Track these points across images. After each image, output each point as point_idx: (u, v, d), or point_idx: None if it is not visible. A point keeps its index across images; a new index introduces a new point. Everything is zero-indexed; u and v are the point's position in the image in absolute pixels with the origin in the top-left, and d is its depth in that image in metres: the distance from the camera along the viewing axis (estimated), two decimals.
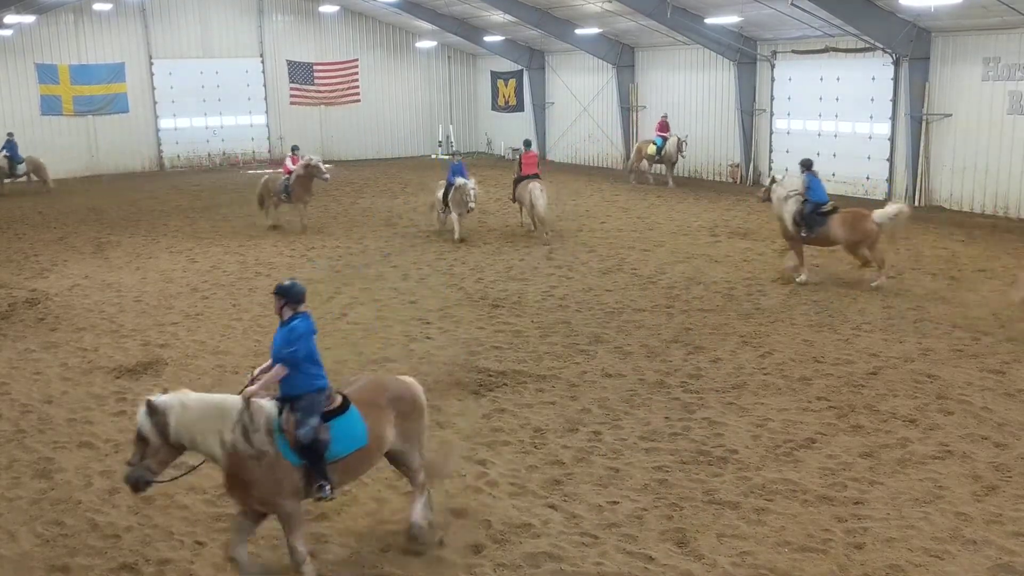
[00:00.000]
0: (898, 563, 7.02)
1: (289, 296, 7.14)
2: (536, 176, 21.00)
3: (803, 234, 15.51)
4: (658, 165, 29.22)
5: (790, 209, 15.58)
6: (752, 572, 6.97)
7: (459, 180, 19.97)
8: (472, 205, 20.07)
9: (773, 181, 16.33)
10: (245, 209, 25.98)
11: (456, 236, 20.20)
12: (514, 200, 21.82)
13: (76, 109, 34.84)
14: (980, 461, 8.74)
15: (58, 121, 34.61)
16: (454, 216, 20.29)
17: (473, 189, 19.97)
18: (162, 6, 35.85)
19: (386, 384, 7.59)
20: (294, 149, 23.51)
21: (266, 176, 23.49)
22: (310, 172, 21.66)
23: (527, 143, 22.75)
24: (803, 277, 15.66)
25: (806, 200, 15.48)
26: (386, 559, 7.28)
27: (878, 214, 15.07)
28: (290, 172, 22.17)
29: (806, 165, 16.00)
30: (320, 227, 22.74)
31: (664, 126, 28.67)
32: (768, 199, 16.39)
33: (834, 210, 15.42)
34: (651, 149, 28.63)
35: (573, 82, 35.47)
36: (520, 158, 21.88)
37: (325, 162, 23.04)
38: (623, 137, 33.50)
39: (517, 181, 21.33)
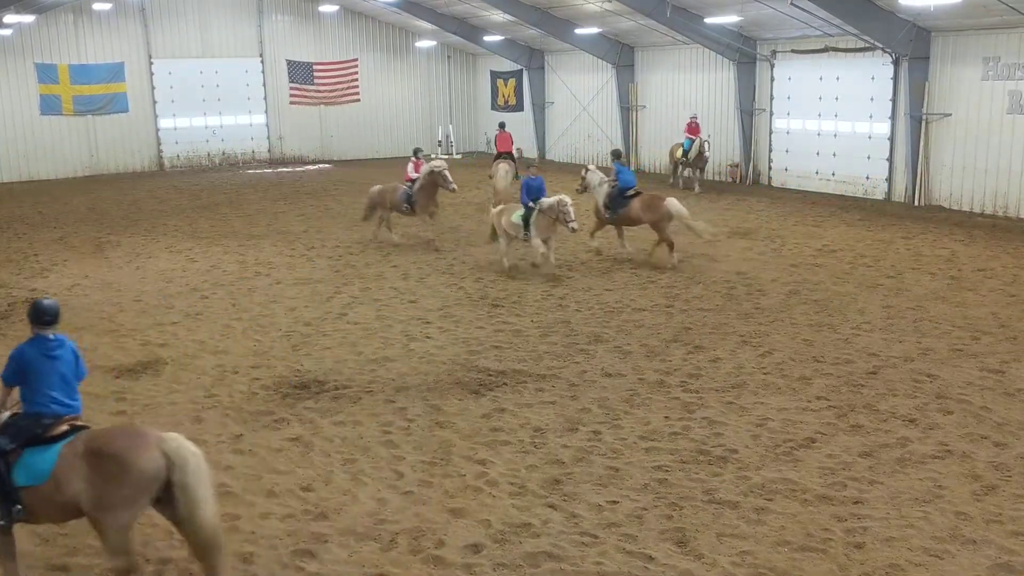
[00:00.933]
0: (898, 562, 7.02)
1: (29, 315, 7.05)
2: (509, 155, 24.86)
3: (609, 215, 18.10)
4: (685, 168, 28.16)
5: (602, 193, 18.22)
6: (752, 571, 6.97)
7: (553, 198, 16.50)
8: (575, 225, 16.31)
9: (586, 170, 18.90)
10: (245, 209, 26.02)
11: (544, 265, 16.89)
12: (491, 177, 25.05)
13: (76, 109, 34.84)
14: (980, 460, 8.74)
15: (58, 121, 34.61)
16: (536, 242, 16.71)
17: (571, 206, 16.37)
18: (162, 6, 35.85)
19: (109, 437, 6.58)
20: (416, 153, 21.10)
21: (379, 186, 20.68)
22: (434, 180, 19.14)
23: (501, 124, 27.13)
24: (597, 244, 18.71)
25: (615, 185, 17.98)
26: (386, 559, 7.29)
27: (671, 202, 17.26)
28: (412, 180, 19.85)
29: (616, 155, 19.36)
30: (320, 227, 22.73)
31: (694, 127, 27.47)
32: (584, 189, 18.91)
33: (637, 194, 17.85)
34: (678, 152, 27.71)
35: (573, 82, 35.48)
36: (496, 138, 26.03)
37: (325, 162, 22.84)
38: (623, 137, 33.50)
39: (494, 159, 25.24)
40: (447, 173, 19.12)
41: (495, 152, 25.50)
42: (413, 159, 20.57)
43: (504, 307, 14.84)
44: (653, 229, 17.56)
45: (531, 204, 16.74)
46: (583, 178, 18.83)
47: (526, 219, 16.77)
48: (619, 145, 33.45)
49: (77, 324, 14.37)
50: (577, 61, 34.77)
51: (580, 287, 16.04)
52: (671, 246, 17.27)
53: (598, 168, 19.05)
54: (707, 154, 27.18)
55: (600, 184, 18.31)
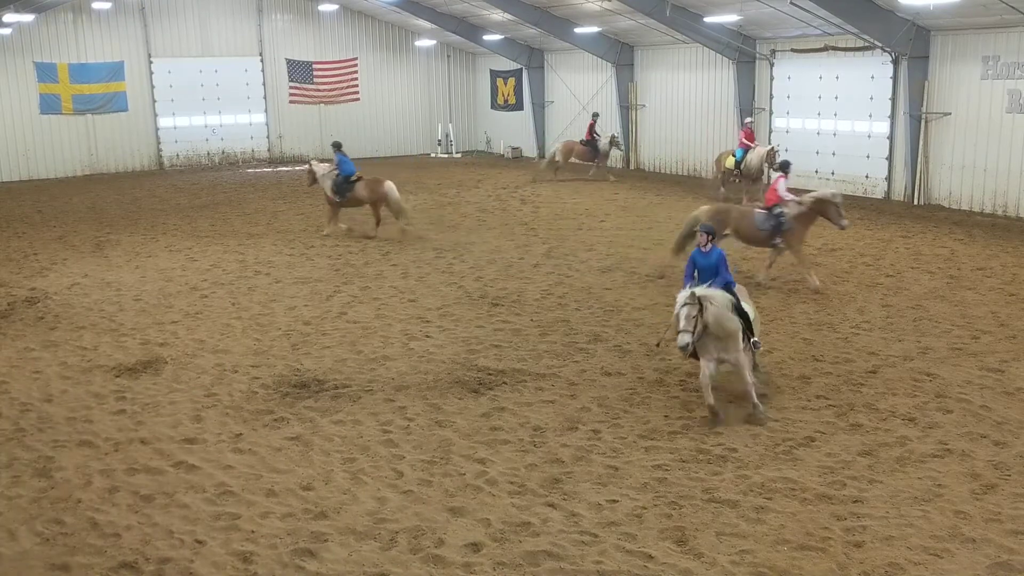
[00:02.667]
0: (897, 561, 7.03)
1: None
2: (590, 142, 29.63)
3: (338, 199, 20.74)
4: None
5: (328, 182, 20.79)
6: (751, 570, 6.98)
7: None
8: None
9: (311, 164, 21.56)
10: (245, 208, 26.02)
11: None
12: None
13: (75, 108, 34.80)
14: (979, 459, 8.75)
15: (57, 120, 34.57)
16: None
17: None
18: (161, 5, 35.81)
19: None
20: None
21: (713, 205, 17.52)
22: (820, 209, 15.15)
23: (595, 115, 30.59)
24: (330, 231, 21.06)
25: (338, 173, 20.68)
26: (386, 558, 7.29)
27: (389, 185, 20.45)
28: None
29: (336, 146, 21.36)
30: (319, 226, 22.72)
31: (750, 135, 24.79)
32: (314, 182, 21.42)
33: (359, 179, 20.69)
34: (729, 161, 24.74)
35: (572, 81, 35.46)
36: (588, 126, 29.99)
37: (323, 162, 22.85)
38: (622, 136, 33.49)
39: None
40: (841, 208, 15.13)
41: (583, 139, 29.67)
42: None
43: (503, 306, 14.84)
44: (372, 208, 20.86)
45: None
46: (309, 172, 21.49)
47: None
48: (620, 143, 33.52)
49: (77, 323, 14.39)
50: (577, 60, 34.76)
51: (579, 286, 16.04)
52: (378, 221, 20.82)
53: (319, 161, 21.58)
54: (775, 166, 22.78)
55: (325, 175, 21.02)
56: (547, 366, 11.82)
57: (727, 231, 15.49)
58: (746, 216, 15.71)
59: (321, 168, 21.36)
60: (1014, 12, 19.09)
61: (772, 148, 23.87)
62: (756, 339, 10.05)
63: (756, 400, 9.79)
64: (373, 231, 20.88)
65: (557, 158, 30.09)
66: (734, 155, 24.68)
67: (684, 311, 9.48)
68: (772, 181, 15.95)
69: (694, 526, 7.64)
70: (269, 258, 19.06)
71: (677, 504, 8.02)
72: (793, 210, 15.21)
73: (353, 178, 20.71)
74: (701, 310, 9.46)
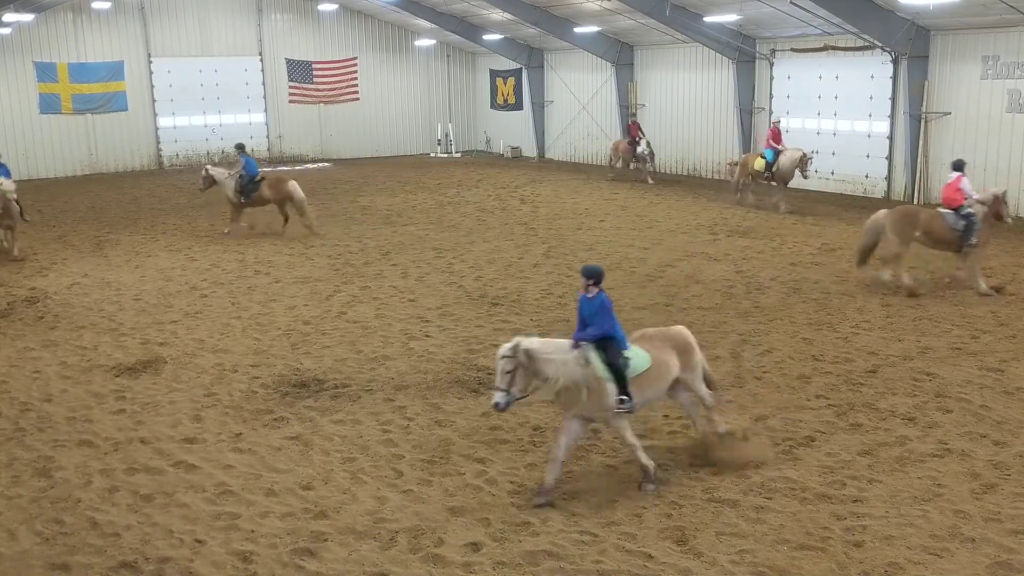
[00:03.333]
0: (897, 561, 7.02)
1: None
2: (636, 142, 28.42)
3: (243, 200, 21.13)
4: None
5: (231, 184, 21.09)
6: (751, 570, 6.98)
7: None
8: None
9: (207, 170, 21.75)
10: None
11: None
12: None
13: (75, 107, 34.81)
14: (979, 459, 8.75)
15: (57, 119, 34.58)
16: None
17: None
18: (161, 5, 35.82)
19: None
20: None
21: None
22: (997, 207, 14.96)
23: (632, 114, 30.42)
24: (232, 230, 21.32)
25: (243, 175, 21.06)
26: (386, 557, 7.29)
27: (293, 184, 21.04)
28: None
29: (240, 148, 21.82)
30: (319, 225, 22.72)
31: (777, 135, 23.33)
32: (210, 185, 21.58)
33: (263, 179, 21.16)
34: (759, 163, 23.30)
35: (572, 80, 35.47)
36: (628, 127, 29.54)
37: (324, 161, 22.91)
38: (622, 135, 33.48)
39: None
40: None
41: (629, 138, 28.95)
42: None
43: (503, 306, 14.84)
44: (278, 207, 21.33)
45: None
46: (206, 177, 21.62)
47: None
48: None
49: (77, 323, 14.39)
50: (576, 60, 34.76)
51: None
52: (286, 219, 21.29)
53: (215, 165, 22.04)
54: (807, 173, 22.60)
55: (228, 177, 21.27)
56: None
57: (917, 233, 14.97)
58: (936, 218, 15.02)
59: (219, 172, 21.78)
60: (1014, 12, 19.09)
61: (805, 153, 22.53)
62: (624, 397, 8.24)
63: (646, 466, 8.35)
64: (282, 229, 21.39)
65: (613, 159, 29.94)
66: (763, 156, 23.23)
67: (500, 364, 7.98)
68: (952, 180, 15.24)
69: (694, 526, 7.64)
70: (269, 258, 19.05)
71: (677, 504, 8.02)
72: (979, 209, 14.88)
73: (258, 178, 21.36)
74: (521, 364, 7.95)
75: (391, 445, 9.44)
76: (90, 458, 9.31)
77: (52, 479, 8.85)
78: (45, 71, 34.15)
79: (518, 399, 8.14)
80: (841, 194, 25.31)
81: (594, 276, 8.55)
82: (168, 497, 8.36)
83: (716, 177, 29.59)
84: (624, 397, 8.22)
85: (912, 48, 22.46)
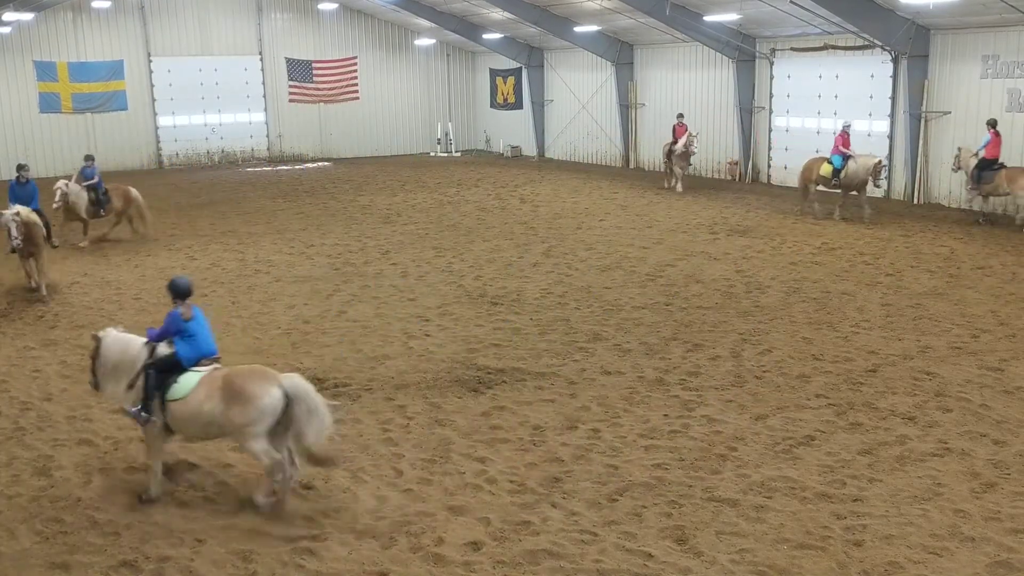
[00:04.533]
0: (897, 560, 7.03)
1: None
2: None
3: (102, 212, 20.88)
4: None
5: (83, 197, 20.47)
6: (751, 569, 6.98)
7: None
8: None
9: (67, 184, 20.18)
10: (244, 207, 26.01)
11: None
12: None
13: (75, 107, 34.81)
14: (979, 458, 8.75)
15: (57, 119, 34.58)
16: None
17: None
18: (161, 4, 35.82)
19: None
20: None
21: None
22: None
23: (680, 116, 27.73)
24: (87, 243, 20.60)
25: (95, 188, 20.68)
26: (386, 556, 7.29)
27: (134, 192, 21.18)
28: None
29: (89, 158, 21.50)
30: (319, 224, 22.75)
31: (846, 140, 21.73)
32: (65, 202, 19.96)
33: (107, 190, 20.91)
34: (825, 169, 21.72)
35: (572, 80, 35.47)
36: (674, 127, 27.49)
37: (324, 160, 22.76)
38: (622, 135, 33.53)
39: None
40: None
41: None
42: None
43: (503, 305, 14.84)
44: (117, 214, 21.21)
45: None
46: (64, 192, 19.96)
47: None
48: (619, 143, 33.57)
49: (77, 322, 14.38)
50: (576, 59, 34.76)
51: (579, 285, 16.04)
52: (118, 224, 21.38)
53: (70, 181, 20.62)
54: (879, 181, 21.72)
55: (80, 190, 20.46)
56: (547, 365, 11.81)
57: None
58: None
59: (74, 188, 20.27)
60: (1014, 11, 19.09)
61: (880, 160, 21.31)
62: (138, 409, 8.30)
63: (151, 485, 8.32)
64: (109, 232, 21.13)
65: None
66: (830, 162, 21.68)
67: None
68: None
69: (694, 525, 7.64)
70: (269, 257, 19.06)
71: (677, 503, 8.02)
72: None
73: (104, 189, 20.86)
74: (97, 348, 8.59)
75: (391, 444, 9.44)
76: (90, 457, 9.31)
77: (52, 478, 8.85)
78: (45, 70, 34.14)
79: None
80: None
81: (172, 292, 8.55)
82: (168, 496, 8.35)
83: (716, 176, 29.61)
84: (143, 411, 8.23)
85: (912, 47, 22.46)
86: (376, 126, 40.11)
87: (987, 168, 20.01)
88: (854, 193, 21.50)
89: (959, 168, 20.91)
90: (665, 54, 31.17)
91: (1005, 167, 19.88)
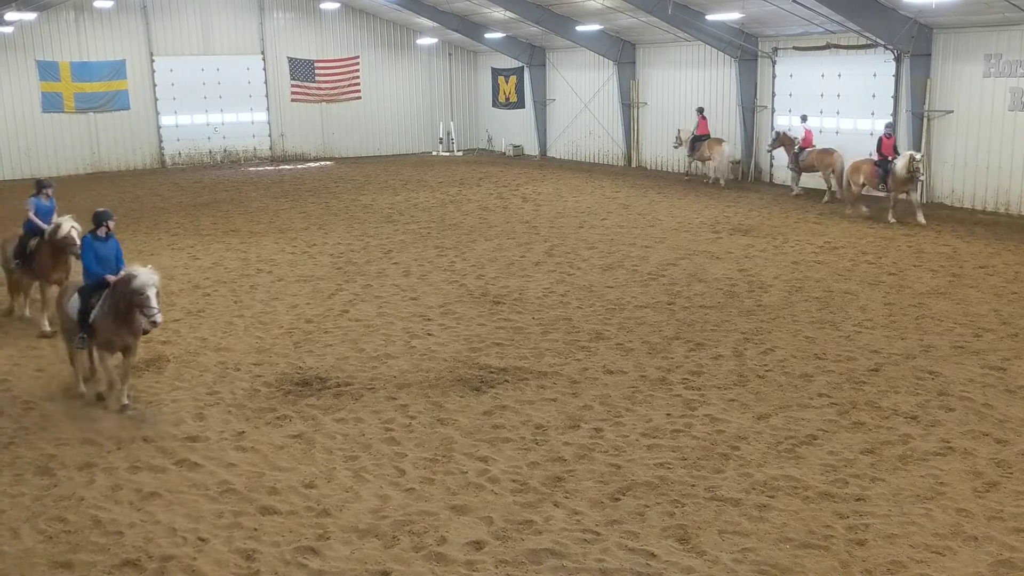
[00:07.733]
0: (899, 559, 7.02)
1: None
2: (707, 137, 28.19)
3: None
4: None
5: (75, 233, 17.96)
6: (753, 568, 6.98)
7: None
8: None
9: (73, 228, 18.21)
10: (247, 206, 26.03)
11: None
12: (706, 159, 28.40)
13: (77, 106, 34.83)
14: (981, 457, 8.75)
15: (59, 118, 34.59)
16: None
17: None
18: (163, 3, 35.83)
19: None
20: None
21: None
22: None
23: (700, 110, 28.59)
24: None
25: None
26: (388, 556, 7.30)
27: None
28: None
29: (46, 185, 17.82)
30: (321, 224, 22.76)
31: (889, 143, 21.23)
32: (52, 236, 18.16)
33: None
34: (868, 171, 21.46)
35: (574, 79, 35.46)
36: (697, 123, 28.53)
37: (326, 159, 22.67)
38: (624, 134, 33.51)
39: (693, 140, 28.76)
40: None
41: (693, 135, 28.46)
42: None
43: (505, 304, 14.84)
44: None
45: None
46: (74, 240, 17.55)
47: None
48: (621, 143, 33.56)
49: None
50: (578, 58, 34.75)
51: (581, 284, 16.04)
52: None
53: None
54: (921, 175, 20.72)
55: (72, 227, 17.32)
56: (549, 364, 11.82)
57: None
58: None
59: (77, 226, 15.30)
60: (1016, 10, 19.06)
61: (912, 155, 20.66)
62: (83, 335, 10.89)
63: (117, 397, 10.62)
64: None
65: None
66: (877, 165, 21.20)
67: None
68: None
69: (696, 524, 7.64)
70: (271, 256, 19.06)
71: (679, 502, 8.02)
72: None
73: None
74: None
75: (393, 443, 9.45)
76: (93, 456, 9.31)
77: (55, 477, 8.86)
78: (47, 70, 34.16)
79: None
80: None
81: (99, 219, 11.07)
82: (171, 495, 8.37)
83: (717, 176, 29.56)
84: (83, 335, 10.71)
85: (915, 46, 22.42)
86: (378, 125, 40.11)
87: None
88: (903, 196, 20.93)
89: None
90: (667, 53, 31.15)
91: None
